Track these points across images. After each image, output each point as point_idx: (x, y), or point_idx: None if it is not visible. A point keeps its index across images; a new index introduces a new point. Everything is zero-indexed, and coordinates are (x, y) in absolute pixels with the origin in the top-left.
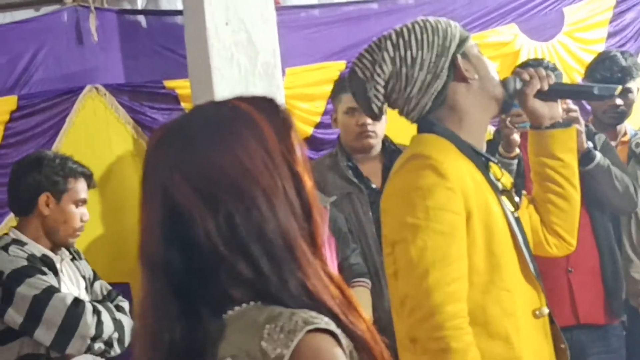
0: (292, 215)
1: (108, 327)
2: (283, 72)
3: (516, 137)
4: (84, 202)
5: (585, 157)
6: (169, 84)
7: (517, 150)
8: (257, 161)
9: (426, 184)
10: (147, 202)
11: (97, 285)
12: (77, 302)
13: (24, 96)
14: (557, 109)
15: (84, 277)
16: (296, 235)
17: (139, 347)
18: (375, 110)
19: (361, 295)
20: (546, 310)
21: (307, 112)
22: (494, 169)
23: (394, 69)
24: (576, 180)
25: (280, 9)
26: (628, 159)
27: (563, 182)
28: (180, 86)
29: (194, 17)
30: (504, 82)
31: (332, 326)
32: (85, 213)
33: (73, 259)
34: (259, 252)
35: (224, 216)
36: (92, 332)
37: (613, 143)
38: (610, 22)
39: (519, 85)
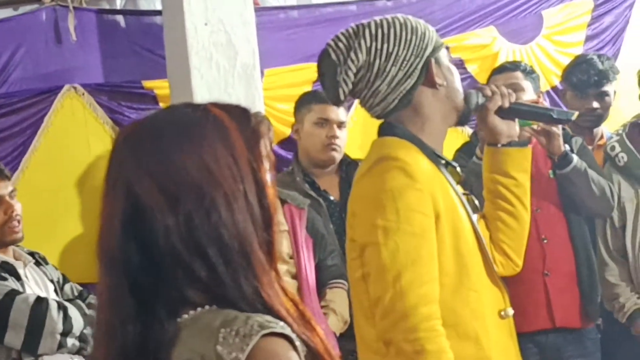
0: (251, 223)
1: (77, 322)
2: (262, 73)
3: None
4: None
5: (562, 160)
6: (147, 84)
7: None
8: (222, 166)
9: (396, 185)
10: (110, 195)
11: (67, 287)
12: (40, 300)
13: (1, 95)
14: (515, 128)
15: (52, 281)
16: (253, 242)
17: (96, 341)
18: (341, 95)
19: (338, 296)
20: (511, 311)
21: (285, 113)
22: (453, 172)
23: (368, 59)
24: (527, 201)
25: (259, 9)
26: (604, 162)
27: (515, 200)
28: (159, 86)
29: (172, 17)
30: (466, 96)
31: (287, 330)
32: (11, 206)
33: (38, 264)
34: (215, 254)
35: (183, 216)
36: (60, 327)
37: (590, 146)
38: (589, 25)
39: (480, 100)
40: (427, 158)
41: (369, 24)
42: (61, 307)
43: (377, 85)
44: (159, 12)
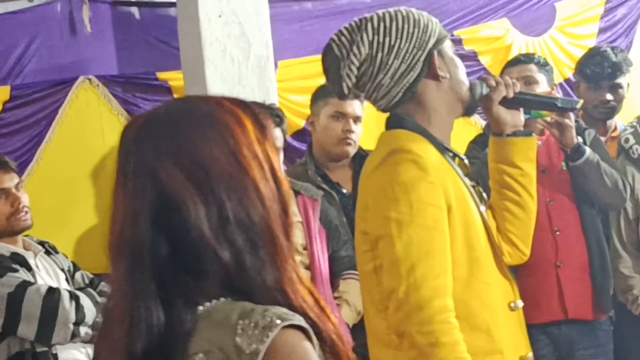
0: (275, 207)
1: (90, 311)
2: (276, 64)
3: None
4: (3, 190)
5: (574, 152)
6: (162, 75)
7: None
8: (246, 154)
9: (408, 178)
10: (130, 188)
11: (77, 275)
12: (51, 290)
13: (17, 86)
14: (520, 117)
15: (62, 270)
16: (278, 230)
17: (109, 325)
18: (345, 89)
19: (352, 287)
20: (521, 303)
21: (299, 104)
22: (461, 165)
23: (370, 53)
24: (534, 190)
25: (273, 1)
26: (617, 155)
27: (521, 190)
28: (173, 78)
29: (187, 9)
30: (470, 87)
31: (303, 322)
32: (17, 198)
33: (48, 253)
34: (243, 242)
35: (215, 203)
36: (73, 317)
37: (603, 138)
38: (602, 17)
39: (485, 90)
40: (436, 150)
41: (371, 18)
42: (73, 296)
43: (380, 79)
44: (173, 4)
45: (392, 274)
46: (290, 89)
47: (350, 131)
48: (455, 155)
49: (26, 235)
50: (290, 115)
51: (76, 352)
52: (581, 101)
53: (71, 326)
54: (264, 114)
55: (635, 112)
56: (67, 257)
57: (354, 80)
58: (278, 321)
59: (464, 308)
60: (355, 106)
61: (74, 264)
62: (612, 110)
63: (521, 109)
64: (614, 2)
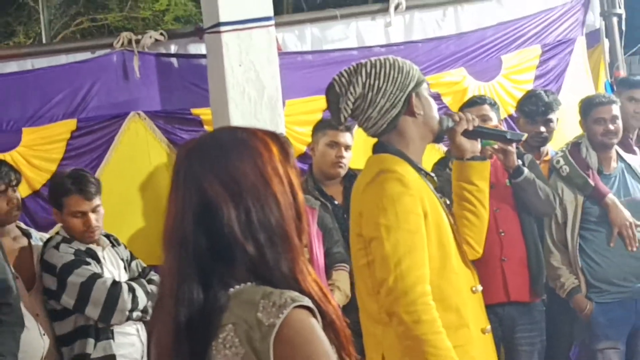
0: (290, 216)
1: (142, 300)
2: (284, 103)
3: None
4: (82, 212)
5: (515, 172)
6: (195, 111)
7: None
8: (270, 172)
9: (394, 192)
10: (180, 193)
11: (133, 264)
12: (115, 284)
13: (82, 119)
14: (477, 146)
15: (122, 260)
16: (292, 231)
17: (161, 303)
18: (342, 119)
19: (342, 277)
20: (480, 288)
21: (302, 134)
22: (431, 181)
23: (363, 92)
24: (486, 202)
25: (282, 54)
26: (549, 174)
27: (476, 203)
28: (204, 113)
29: (215, 59)
30: (439, 120)
31: (311, 304)
32: (89, 220)
33: (113, 246)
34: (264, 239)
35: (244, 209)
36: (129, 306)
37: (538, 161)
38: (537, 67)
39: (450, 124)
40: (413, 169)
41: (365, 64)
42: (131, 289)
43: (370, 113)
44: (204, 56)
45: (383, 267)
46: (295, 122)
47: (342, 157)
48: (427, 173)
49: None
50: (295, 142)
51: (129, 328)
52: (525, 135)
53: (127, 312)
54: (287, 143)
55: (565, 140)
56: (126, 248)
57: (349, 112)
58: (291, 302)
59: (439, 292)
60: (347, 137)
61: (131, 254)
62: (544, 140)
63: (478, 139)
64: (547, 55)
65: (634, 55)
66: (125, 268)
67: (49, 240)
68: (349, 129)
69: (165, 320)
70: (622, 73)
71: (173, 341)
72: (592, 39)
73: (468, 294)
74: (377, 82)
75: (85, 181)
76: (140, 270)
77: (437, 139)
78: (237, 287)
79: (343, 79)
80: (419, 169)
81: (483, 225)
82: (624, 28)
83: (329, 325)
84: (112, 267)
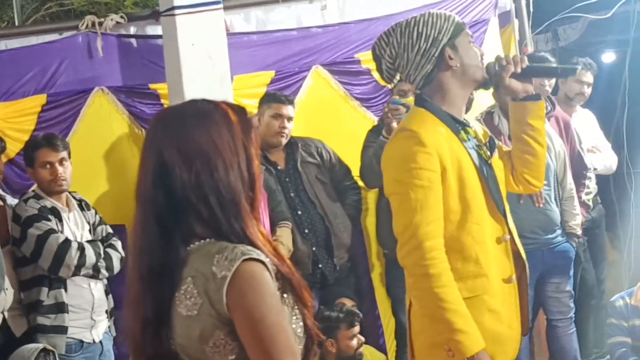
0: (241, 183)
1: (90, 259)
2: (232, 78)
3: (394, 124)
4: (49, 163)
5: None
6: (153, 86)
7: None
8: (223, 142)
9: (409, 151)
10: (145, 157)
11: (99, 229)
12: (65, 241)
13: (51, 94)
14: (530, 86)
15: (89, 223)
16: (241, 196)
17: (131, 257)
18: (386, 78)
19: (285, 232)
20: (508, 237)
21: (248, 106)
22: (470, 130)
23: (399, 51)
24: (543, 140)
25: (230, 34)
26: None
27: (531, 142)
28: (161, 88)
29: (170, 39)
30: (486, 67)
31: (263, 257)
32: (56, 170)
33: (82, 210)
34: (214, 201)
35: (194, 173)
36: (75, 262)
37: None
38: None
39: (498, 68)
40: (444, 124)
41: (401, 23)
42: (80, 247)
43: (408, 70)
44: (160, 36)
45: (398, 221)
46: (242, 95)
47: (285, 127)
48: (463, 124)
49: (71, 194)
50: None
51: (81, 282)
52: (579, 67)
53: (72, 268)
54: (251, 118)
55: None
56: (97, 214)
57: (392, 72)
58: (241, 255)
59: (457, 243)
60: (289, 109)
61: (101, 219)
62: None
63: (532, 79)
64: None
65: (540, 34)
66: (90, 231)
67: (22, 195)
68: (291, 102)
69: (133, 266)
70: (530, 49)
71: (139, 289)
72: (504, 19)
73: (492, 244)
74: (410, 40)
75: (53, 137)
76: (104, 235)
77: (485, 85)
78: (197, 243)
79: (382, 42)
80: (452, 121)
81: (540, 162)
82: (532, 9)
83: (283, 277)
84: (75, 228)
